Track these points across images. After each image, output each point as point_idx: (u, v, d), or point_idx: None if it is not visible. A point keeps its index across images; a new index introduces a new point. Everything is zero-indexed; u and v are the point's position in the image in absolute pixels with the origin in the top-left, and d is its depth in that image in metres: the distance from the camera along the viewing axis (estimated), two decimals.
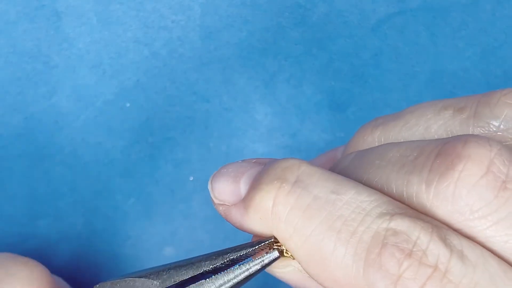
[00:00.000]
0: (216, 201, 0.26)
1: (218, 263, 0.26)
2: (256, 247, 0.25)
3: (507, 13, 0.40)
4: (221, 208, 0.26)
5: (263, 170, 0.25)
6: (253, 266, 0.25)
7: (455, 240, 0.22)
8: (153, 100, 0.39)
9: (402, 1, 0.40)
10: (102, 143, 0.38)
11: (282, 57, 0.39)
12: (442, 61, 0.40)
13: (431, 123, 0.27)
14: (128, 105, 0.39)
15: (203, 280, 0.25)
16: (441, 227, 0.22)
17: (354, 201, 0.23)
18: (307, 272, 0.24)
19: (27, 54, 0.39)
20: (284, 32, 0.40)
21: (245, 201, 0.25)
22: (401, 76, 0.40)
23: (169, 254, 0.39)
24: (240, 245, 0.26)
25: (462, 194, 0.22)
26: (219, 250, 0.26)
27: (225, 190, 0.26)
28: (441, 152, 0.23)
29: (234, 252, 0.26)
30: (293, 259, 0.25)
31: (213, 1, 0.39)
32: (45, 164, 0.38)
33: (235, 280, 0.25)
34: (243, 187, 0.25)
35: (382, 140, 0.28)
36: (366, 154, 0.26)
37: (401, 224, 0.22)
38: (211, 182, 0.26)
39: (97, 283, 0.29)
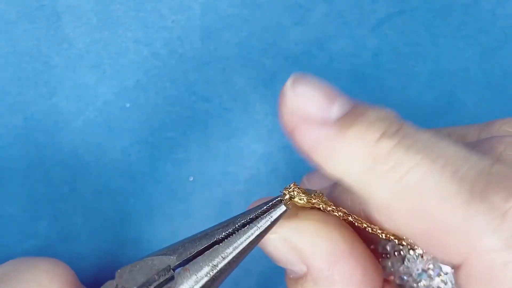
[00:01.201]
0: (292, 107, 0.24)
1: (230, 229, 0.26)
2: (264, 207, 0.26)
3: (507, 13, 0.40)
4: (295, 119, 0.24)
5: (367, 106, 0.24)
6: (263, 223, 0.26)
7: None
8: (153, 100, 0.39)
9: (402, 1, 0.40)
10: (102, 143, 0.38)
11: (282, 57, 0.39)
12: (442, 61, 0.40)
13: None
14: (128, 105, 0.39)
15: (216, 246, 0.26)
16: None
17: (453, 145, 0.23)
18: (385, 213, 0.23)
19: (27, 54, 0.39)
20: (284, 32, 0.40)
21: (344, 124, 0.24)
22: (401, 76, 0.40)
23: None
24: (249, 209, 0.26)
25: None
26: (230, 218, 0.27)
27: (312, 100, 0.24)
28: (478, 144, 0.24)
29: (244, 216, 0.26)
30: (309, 205, 0.25)
31: (213, 1, 0.39)
32: (45, 164, 0.38)
33: (248, 240, 0.26)
34: (336, 110, 0.24)
35: None
36: None
37: (503, 169, 0.22)
38: (293, 85, 0.24)
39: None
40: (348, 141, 0.23)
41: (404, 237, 0.26)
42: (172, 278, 0.26)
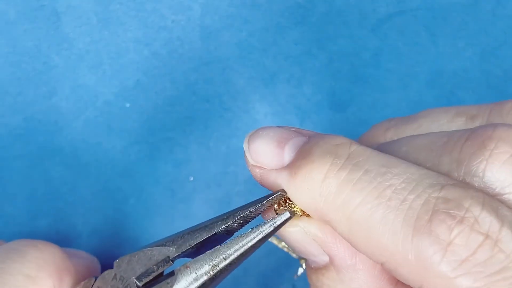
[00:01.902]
0: (252, 162, 0.26)
1: (230, 222, 0.26)
2: (265, 201, 0.26)
3: (507, 13, 0.40)
4: (257, 170, 0.26)
5: (313, 142, 0.25)
6: (266, 228, 0.26)
7: (507, 211, 0.22)
8: (153, 100, 0.39)
9: (402, 1, 0.40)
10: (102, 143, 0.38)
11: (282, 57, 0.39)
12: (442, 61, 0.40)
13: (444, 129, 0.27)
14: (128, 105, 0.39)
15: (218, 246, 0.26)
16: (491, 197, 0.22)
17: (404, 173, 0.23)
18: (349, 242, 0.24)
19: (27, 54, 0.39)
20: (284, 32, 0.40)
21: (292, 168, 0.25)
22: (401, 76, 0.40)
23: None
24: (249, 202, 0.27)
25: (493, 170, 0.23)
26: (230, 210, 0.27)
27: (265, 152, 0.26)
28: (471, 136, 0.24)
29: (244, 210, 0.26)
30: (305, 215, 0.26)
31: (213, 1, 0.39)
32: (45, 164, 0.38)
33: (249, 244, 0.26)
34: (287, 154, 0.26)
35: None
36: (390, 144, 0.27)
37: (453, 193, 0.22)
38: (247, 142, 0.26)
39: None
40: (299, 184, 0.25)
41: None
42: (172, 273, 0.27)
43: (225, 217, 0.27)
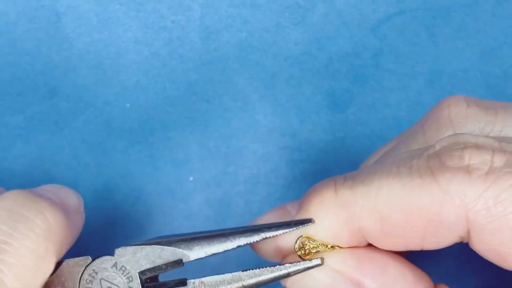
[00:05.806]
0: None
1: (254, 240, 0.26)
2: (294, 228, 0.25)
3: (507, 13, 0.40)
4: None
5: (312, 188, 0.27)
6: (294, 268, 0.25)
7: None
8: (153, 100, 0.39)
9: (402, 1, 0.40)
10: (102, 143, 0.38)
11: (282, 57, 0.39)
12: (442, 61, 0.40)
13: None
14: (128, 105, 0.39)
15: (239, 272, 0.25)
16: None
17: (405, 152, 0.26)
18: (384, 230, 0.25)
19: (27, 54, 0.39)
20: (284, 32, 0.40)
21: (303, 206, 0.27)
22: (401, 76, 0.40)
23: None
24: (275, 223, 0.26)
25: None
26: (253, 226, 0.26)
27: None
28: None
29: (270, 230, 0.26)
30: (328, 249, 0.26)
31: (213, 1, 0.39)
32: (45, 164, 0.38)
33: (273, 278, 0.26)
34: (293, 210, 0.28)
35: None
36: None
37: (445, 141, 0.24)
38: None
39: None
40: (317, 210, 0.26)
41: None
42: (184, 283, 0.26)
43: (249, 233, 0.26)
